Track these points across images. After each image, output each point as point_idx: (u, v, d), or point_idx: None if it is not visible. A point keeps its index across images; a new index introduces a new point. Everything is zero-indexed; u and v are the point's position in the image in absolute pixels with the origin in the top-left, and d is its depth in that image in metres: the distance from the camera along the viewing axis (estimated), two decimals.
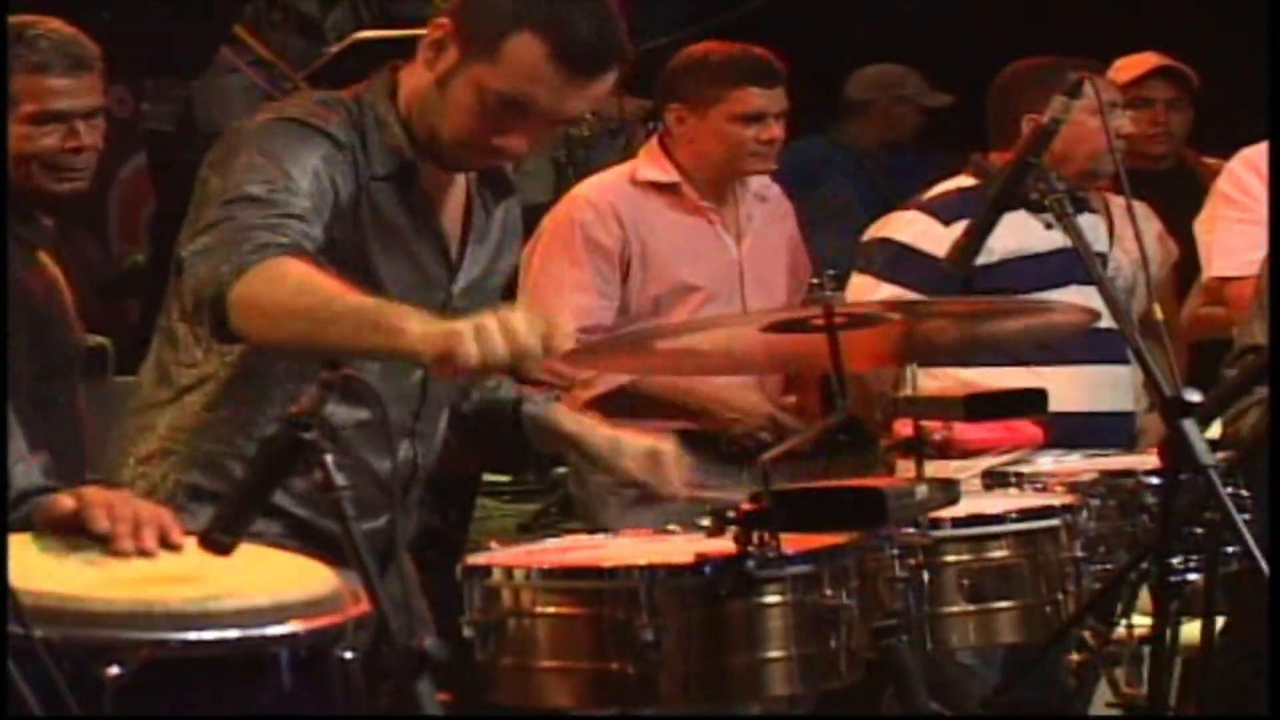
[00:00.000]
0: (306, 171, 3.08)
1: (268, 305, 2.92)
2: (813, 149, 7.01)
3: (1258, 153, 4.94)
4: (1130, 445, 4.73)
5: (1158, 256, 5.19)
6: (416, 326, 2.79)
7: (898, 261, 4.88)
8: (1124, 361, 4.92)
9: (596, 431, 3.54)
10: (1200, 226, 5.09)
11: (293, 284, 2.91)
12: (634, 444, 3.49)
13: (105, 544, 2.55)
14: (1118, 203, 5.25)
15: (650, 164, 4.97)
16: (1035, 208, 4.35)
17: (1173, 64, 6.18)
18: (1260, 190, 4.88)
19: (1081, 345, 4.52)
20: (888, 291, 4.73)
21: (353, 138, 3.18)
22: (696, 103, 4.91)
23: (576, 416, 3.59)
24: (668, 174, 4.93)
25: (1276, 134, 4.53)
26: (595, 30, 3.11)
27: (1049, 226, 4.87)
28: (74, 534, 2.58)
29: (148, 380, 3.31)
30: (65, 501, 2.61)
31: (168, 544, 2.59)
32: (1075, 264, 4.79)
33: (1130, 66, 5.98)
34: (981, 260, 4.46)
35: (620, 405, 4.53)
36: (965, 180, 5.04)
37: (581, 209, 4.89)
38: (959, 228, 4.83)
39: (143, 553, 2.55)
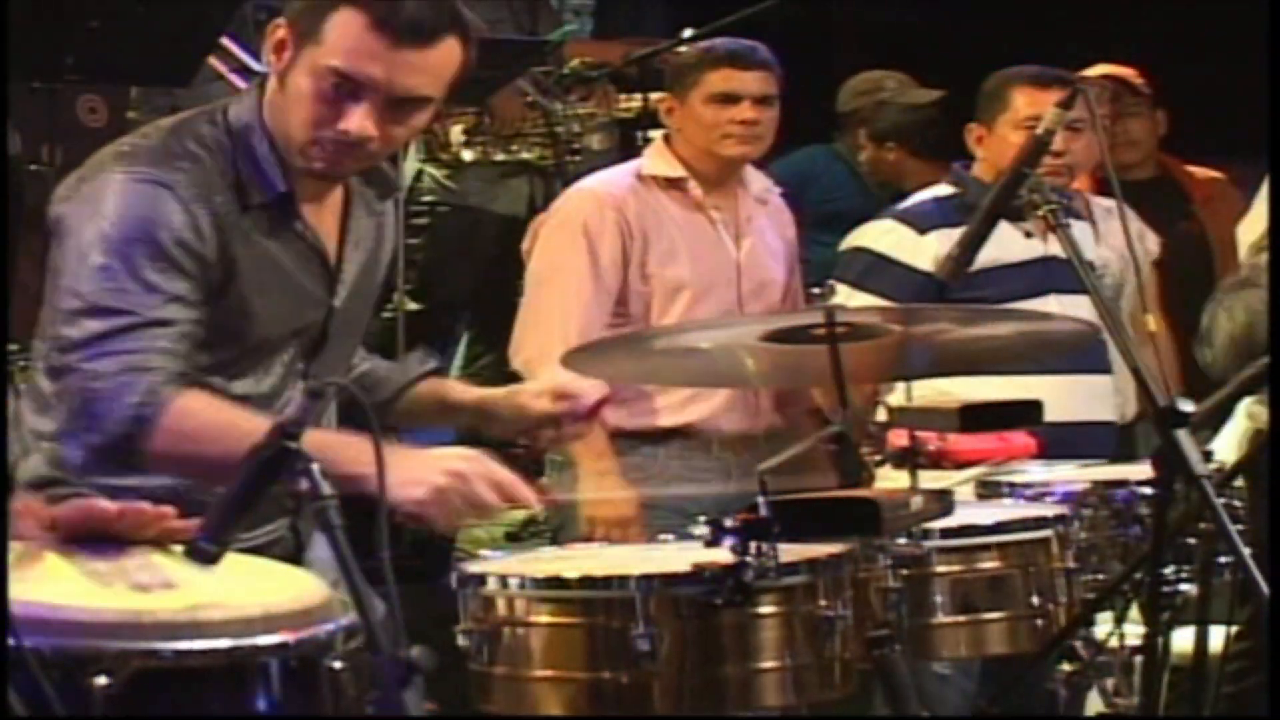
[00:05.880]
0: (163, 257, 3.05)
1: (190, 461, 2.98)
2: (812, 158, 7.02)
3: None
4: (1113, 455, 4.71)
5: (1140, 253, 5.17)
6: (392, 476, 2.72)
7: (873, 271, 4.88)
8: (1105, 370, 4.92)
9: (491, 390, 3.55)
10: (1241, 228, 5.03)
11: (208, 433, 2.95)
12: (531, 386, 3.51)
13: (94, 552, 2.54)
14: (1098, 203, 5.26)
15: (656, 158, 4.95)
16: (1015, 216, 4.35)
17: (1116, 74, 6.17)
18: None
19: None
20: (862, 301, 4.71)
21: (215, 177, 3.13)
22: (681, 91, 4.91)
23: (466, 386, 3.62)
24: (673, 168, 4.90)
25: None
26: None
27: (1028, 235, 4.88)
28: (62, 543, 2.56)
29: (28, 410, 3.20)
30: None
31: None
32: (1054, 273, 4.80)
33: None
34: None
35: None
36: (942, 189, 5.05)
37: (585, 202, 4.86)
38: (934, 236, 4.86)
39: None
